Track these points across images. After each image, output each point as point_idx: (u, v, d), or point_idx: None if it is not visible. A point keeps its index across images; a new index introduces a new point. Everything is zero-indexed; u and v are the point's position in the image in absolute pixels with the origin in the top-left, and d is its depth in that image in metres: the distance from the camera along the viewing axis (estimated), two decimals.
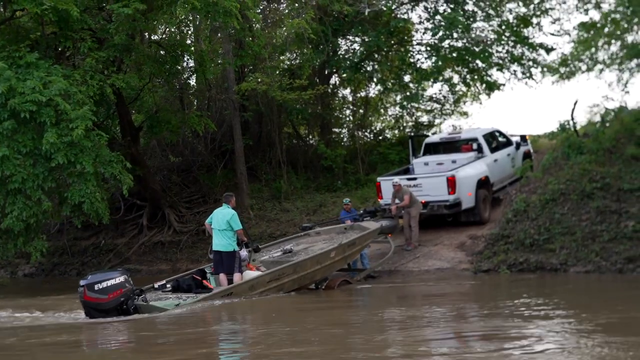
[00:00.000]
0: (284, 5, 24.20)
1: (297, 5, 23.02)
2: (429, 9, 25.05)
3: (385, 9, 24.13)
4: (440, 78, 25.27)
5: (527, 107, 47.18)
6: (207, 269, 15.26)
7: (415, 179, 19.36)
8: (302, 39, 22.09)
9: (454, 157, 20.21)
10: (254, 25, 20.90)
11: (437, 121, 28.32)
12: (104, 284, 12.93)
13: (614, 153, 17.68)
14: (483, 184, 19.47)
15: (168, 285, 14.89)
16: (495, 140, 21.29)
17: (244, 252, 14.88)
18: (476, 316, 12.02)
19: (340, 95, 29.26)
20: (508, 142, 21.60)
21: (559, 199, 17.20)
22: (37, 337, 11.55)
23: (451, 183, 18.66)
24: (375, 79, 26.26)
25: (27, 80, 15.80)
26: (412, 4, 24.75)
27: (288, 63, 25.13)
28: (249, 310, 13.52)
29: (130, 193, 24.85)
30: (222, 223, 14.54)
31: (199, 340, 10.75)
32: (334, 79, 27.88)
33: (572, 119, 19.69)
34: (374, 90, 27.69)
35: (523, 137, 21.94)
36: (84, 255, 24.04)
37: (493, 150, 20.71)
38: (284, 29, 20.99)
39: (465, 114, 29.58)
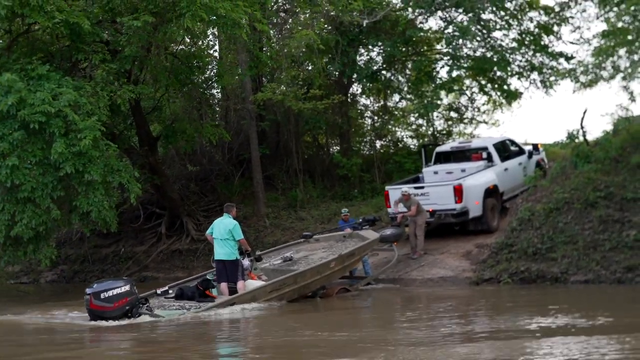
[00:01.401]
0: (300, 16, 24.38)
1: (307, 16, 23.20)
2: (444, 18, 25.11)
3: (398, 18, 24.22)
4: (456, 87, 25.33)
5: (544, 115, 46.82)
6: (210, 276, 15.53)
7: (422, 187, 19.47)
8: (312, 49, 22.32)
9: (464, 166, 20.27)
10: (263, 36, 21.19)
11: (455, 130, 28.31)
12: (110, 293, 13.36)
13: (620, 162, 17.60)
14: (491, 192, 19.47)
15: (170, 291, 15.26)
16: (507, 149, 21.27)
17: (246, 261, 15.17)
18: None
19: (361, 104, 29.47)
20: (520, 151, 21.56)
21: (563, 207, 17.16)
22: None
23: (458, 192, 18.72)
24: (391, 89, 26.31)
25: (37, 91, 16.26)
26: (427, 14, 24.79)
27: (300, 73, 25.30)
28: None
29: (150, 202, 25.63)
30: (224, 232, 14.86)
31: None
32: (354, 88, 28.13)
33: (582, 127, 19.67)
34: (392, 99, 27.76)
35: (535, 146, 21.88)
36: (104, 262, 24.53)
37: (504, 159, 20.70)
38: (295, 40, 21.13)
39: (495, 123, 29.80)
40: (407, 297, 16.35)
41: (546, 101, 36.29)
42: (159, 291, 15.11)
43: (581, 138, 19.61)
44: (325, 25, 22.84)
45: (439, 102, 26.06)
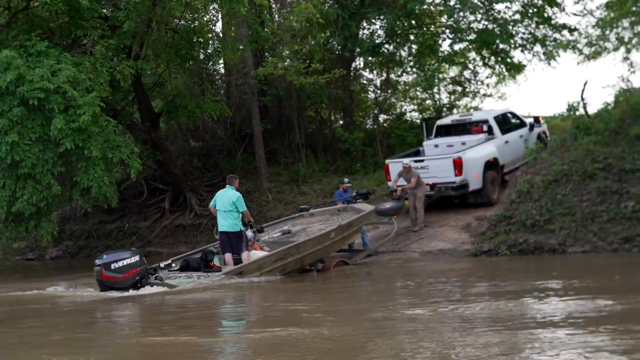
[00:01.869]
0: None
1: None
2: None
3: None
4: (459, 61, 25.25)
5: (548, 88, 46.51)
6: (212, 249, 15.67)
7: (422, 160, 19.50)
8: (312, 23, 22.26)
9: (464, 139, 20.27)
10: (263, 11, 21.15)
11: (461, 103, 28.27)
12: (120, 263, 13.44)
13: (619, 133, 17.56)
14: (491, 165, 19.50)
15: (173, 265, 15.37)
16: (508, 122, 21.25)
17: (249, 233, 15.28)
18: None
19: (365, 78, 29.41)
20: (521, 124, 21.52)
21: (562, 179, 17.14)
22: None
23: (457, 165, 18.76)
24: (394, 62, 26.22)
25: (36, 68, 16.32)
26: None
27: (302, 48, 25.25)
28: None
29: (153, 177, 25.78)
30: (228, 204, 14.91)
31: None
32: (357, 62, 28.08)
33: (583, 99, 19.64)
34: (395, 73, 27.67)
35: (536, 119, 21.85)
36: (109, 238, 24.70)
37: (505, 131, 20.69)
38: (294, 14, 21.08)
39: (501, 96, 29.76)
40: (405, 267, 16.44)
41: (550, 73, 36.09)
42: (162, 264, 15.20)
43: (582, 110, 19.61)
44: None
45: (441, 75, 25.96)
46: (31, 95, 15.97)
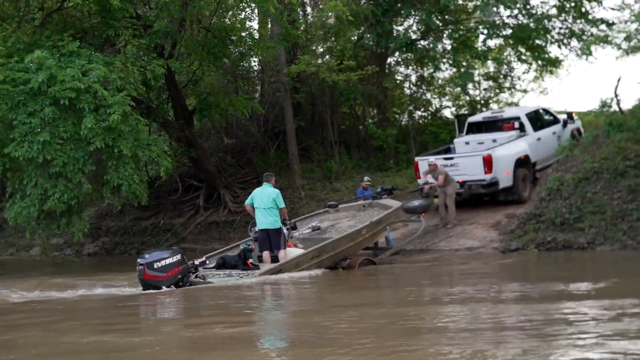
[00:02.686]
0: None
1: None
2: None
3: None
4: (492, 57, 25.03)
5: (587, 83, 45.76)
6: (244, 245, 15.71)
7: (452, 158, 19.40)
8: (341, 21, 22.27)
9: (495, 136, 20.10)
10: (292, 9, 21.19)
11: (500, 98, 28.04)
12: (163, 262, 13.53)
13: None
14: (523, 162, 19.31)
15: (208, 262, 15.40)
16: (540, 118, 21.02)
17: (284, 230, 15.35)
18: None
19: (401, 74, 29.31)
20: (555, 121, 21.27)
21: (592, 177, 16.93)
22: None
23: (487, 162, 18.61)
24: (428, 58, 26.08)
25: (68, 68, 16.59)
26: None
27: (333, 45, 25.28)
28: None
29: (188, 174, 26.06)
30: (268, 201, 14.94)
31: None
32: (391, 59, 27.99)
33: (616, 96, 19.31)
34: (429, 69, 27.52)
35: (570, 115, 21.54)
36: (144, 234, 25.03)
37: (537, 128, 20.46)
38: (323, 11, 21.11)
39: (543, 91, 29.52)
40: (428, 267, 16.36)
41: (588, 69, 35.38)
42: (197, 262, 15.20)
43: (615, 107, 19.30)
44: None
45: (476, 71, 25.76)
46: (62, 95, 16.20)
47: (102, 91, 16.50)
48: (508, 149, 19.19)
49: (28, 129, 16.24)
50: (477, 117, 21.66)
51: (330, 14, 20.95)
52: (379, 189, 18.50)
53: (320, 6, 22.77)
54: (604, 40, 22.10)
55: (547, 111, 21.56)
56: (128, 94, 17.29)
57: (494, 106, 27.62)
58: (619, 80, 19.18)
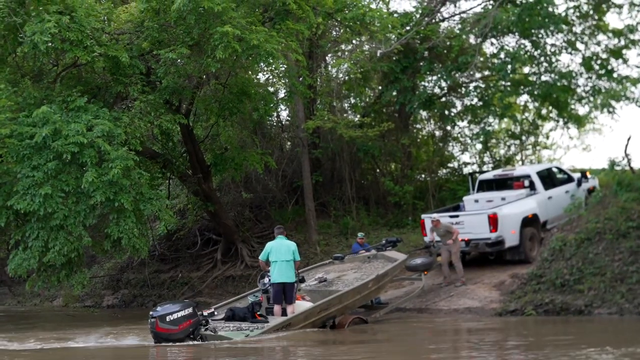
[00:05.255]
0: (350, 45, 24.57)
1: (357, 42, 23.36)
2: (496, 45, 24.74)
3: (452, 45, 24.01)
4: (510, 114, 24.87)
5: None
6: (251, 298, 15.70)
7: (457, 216, 19.19)
8: (351, 79, 22.46)
9: (504, 194, 19.84)
10: (300, 66, 21.43)
11: (517, 157, 27.76)
12: (175, 315, 13.70)
13: None
14: (531, 221, 18.99)
15: (216, 313, 15.44)
16: (552, 177, 20.71)
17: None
18: None
19: (425, 130, 29.23)
20: (569, 179, 20.93)
21: (595, 238, 16.58)
22: None
23: (492, 221, 18.35)
24: (444, 117, 26.05)
25: (74, 123, 16.97)
26: (479, 40, 24.39)
27: (357, 101, 25.46)
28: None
29: (207, 228, 26.28)
30: (287, 254, 14.95)
31: None
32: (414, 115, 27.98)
33: (627, 155, 19.03)
34: (449, 125, 27.45)
35: (584, 174, 21.20)
36: (162, 287, 25.23)
37: (549, 187, 20.15)
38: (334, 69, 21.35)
39: (586, 148, 29.29)
40: (415, 327, 16.08)
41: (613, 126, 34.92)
42: (205, 313, 15.24)
43: (626, 166, 18.97)
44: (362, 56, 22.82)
45: (494, 128, 25.61)
46: (65, 149, 16.59)
47: (105, 145, 16.84)
48: (515, 208, 18.90)
49: (31, 182, 16.64)
50: (488, 175, 21.44)
51: (337, 70, 21.05)
52: (384, 241, 18.49)
53: (329, 64, 22.97)
54: (620, 95, 21.78)
55: (560, 169, 21.27)
56: (133, 148, 17.62)
57: (520, 164, 27.34)
58: (629, 139, 18.97)
